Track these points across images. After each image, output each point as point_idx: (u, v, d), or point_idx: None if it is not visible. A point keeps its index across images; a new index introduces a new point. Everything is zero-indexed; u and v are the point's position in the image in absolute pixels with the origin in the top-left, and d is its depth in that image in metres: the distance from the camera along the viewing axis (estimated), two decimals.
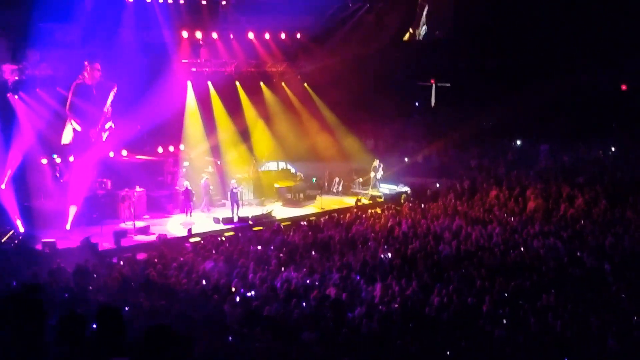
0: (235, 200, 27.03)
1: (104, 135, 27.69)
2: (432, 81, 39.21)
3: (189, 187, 27.01)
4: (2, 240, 22.28)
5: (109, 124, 27.67)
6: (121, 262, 19.76)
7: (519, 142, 36.13)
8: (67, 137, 26.78)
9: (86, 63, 26.30)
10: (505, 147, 35.88)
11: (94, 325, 4.39)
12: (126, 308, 15.05)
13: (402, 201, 29.06)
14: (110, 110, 27.63)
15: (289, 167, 33.25)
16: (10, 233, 22.74)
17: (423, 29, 38.06)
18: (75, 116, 26.79)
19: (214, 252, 20.80)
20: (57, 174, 25.66)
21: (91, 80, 26.52)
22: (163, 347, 4.27)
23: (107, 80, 27.03)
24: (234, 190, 27.23)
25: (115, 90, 27.02)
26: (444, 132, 35.09)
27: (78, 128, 26.98)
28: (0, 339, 3.93)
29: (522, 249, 20.67)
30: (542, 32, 34.41)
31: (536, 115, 34.42)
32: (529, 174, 30.88)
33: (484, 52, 35.65)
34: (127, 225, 24.82)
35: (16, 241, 22.24)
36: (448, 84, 38.95)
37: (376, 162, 32.16)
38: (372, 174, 32.07)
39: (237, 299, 15.80)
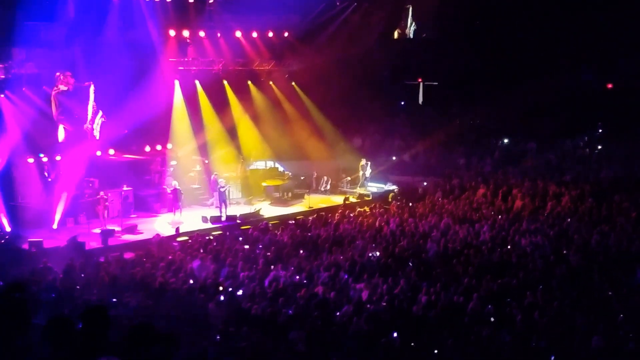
0: (223, 199, 26.98)
1: (97, 129, 27.50)
2: (419, 80, 39.28)
3: (177, 187, 26.93)
4: None
5: (99, 116, 27.49)
6: (108, 262, 19.67)
7: (505, 141, 36.25)
8: (61, 135, 26.70)
9: (59, 74, 26.09)
10: (492, 145, 35.99)
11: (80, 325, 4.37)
12: (113, 308, 15.04)
13: (390, 200, 29.13)
14: (95, 106, 27.46)
15: (277, 165, 33.23)
16: None
17: (412, 28, 38.13)
18: (65, 121, 26.68)
19: (201, 251, 20.77)
20: (45, 173, 25.49)
21: (67, 86, 26.37)
22: (147, 345, 4.27)
23: (83, 81, 26.82)
24: (222, 189, 27.17)
25: (92, 87, 26.81)
26: (431, 130, 35.14)
27: (69, 128, 26.91)
28: None
29: (509, 247, 20.75)
30: (528, 31, 34.56)
31: (523, 114, 34.53)
32: (516, 173, 30.99)
33: (470, 51, 35.72)
34: (100, 228, 24.39)
35: (2, 240, 22.15)
36: (435, 83, 39.03)
37: (364, 161, 32.22)
38: (361, 173, 32.12)
39: (225, 297, 15.78)
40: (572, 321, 14.47)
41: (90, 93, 27.16)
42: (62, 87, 25.96)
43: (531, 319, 14.64)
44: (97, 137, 27.31)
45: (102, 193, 25.17)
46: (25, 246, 21.87)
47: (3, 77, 24.70)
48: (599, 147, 34.45)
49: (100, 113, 27.45)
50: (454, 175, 31.34)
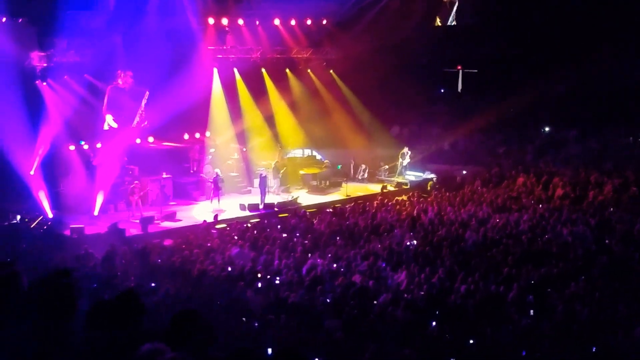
0: (264, 187, 27.10)
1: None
2: (459, 67, 38.89)
3: (220, 174, 27.04)
4: (32, 226, 22.56)
5: (144, 124, 28.13)
6: (148, 249, 19.88)
7: (546, 129, 35.75)
8: (106, 127, 27.25)
9: (119, 71, 26.69)
10: (533, 133, 35.52)
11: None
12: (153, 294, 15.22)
13: (429, 188, 28.95)
14: (144, 114, 27.99)
15: (315, 154, 33.22)
16: (40, 219, 23.02)
17: (453, 15, 37.73)
18: (112, 114, 27.19)
19: (239, 239, 20.87)
20: (90, 160, 25.82)
21: (124, 85, 26.96)
22: (191, 332, 4.29)
23: (140, 85, 27.40)
24: (263, 176, 27.31)
25: (147, 94, 27.42)
26: (471, 118, 34.78)
27: (114, 125, 27.37)
28: (32, 323, 3.95)
29: (549, 236, 20.49)
30: (570, 17, 33.92)
31: (564, 102, 34.01)
32: (557, 161, 30.57)
33: (510, 38, 35.25)
34: (138, 216, 24.65)
35: (45, 227, 22.50)
36: (475, 70, 38.62)
37: (405, 149, 32.02)
38: (400, 161, 31.95)
39: (263, 285, 15.86)
40: (614, 312, 14.25)
41: (143, 98, 27.66)
42: (120, 83, 26.54)
43: (572, 309, 14.46)
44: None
45: (136, 182, 25.34)
46: (67, 232, 22.20)
47: (45, 65, 25.05)
48: None
49: (146, 122, 27.95)
50: (493, 164, 31.03)
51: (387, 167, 32.33)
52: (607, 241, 19.72)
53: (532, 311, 14.56)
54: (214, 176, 27.10)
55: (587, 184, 26.72)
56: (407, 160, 31.89)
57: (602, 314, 14.15)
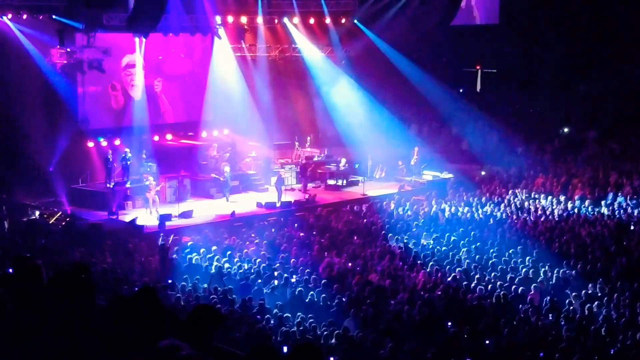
0: (280, 186, 27.14)
1: None
2: (478, 67, 38.69)
3: (227, 173, 27.17)
4: (51, 222, 22.74)
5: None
6: (166, 245, 19.96)
7: (565, 130, 35.50)
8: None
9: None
10: (552, 133, 35.29)
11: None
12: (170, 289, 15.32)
13: (447, 188, 28.82)
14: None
15: (332, 152, 33.17)
16: (59, 214, 23.19)
17: (475, 13, 37.47)
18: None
19: (256, 236, 20.92)
20: (109, 157, 25.93)
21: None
22: (210, 327, 4.31)
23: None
24: (282, 176, 27.39)
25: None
26: (490, 118, 34.60)
27: None
28: (52, 318, 3.99)
29: (568, 237, 20.36)
30: (591, 19, 33.67)
31: (584, 102, 33.80)
32: (576, 161, 30.37)
33: (530, 38, 35.05)
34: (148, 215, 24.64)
35: (64, 222, 22.66)
36: (494, 70, 38.41)
37: (415, 149, 31.77)
38: (413, 160, 31.75)
39: (279, 283, 15.90)
40: (633, 314, 14.16)
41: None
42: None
43: (590, 310, 14.39)
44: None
45: (151, 178, 25.29)
46: (86, 228, 22.33)
47: (65, 62, 25.17)
48: None
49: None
50: (512, 164, 30.87)
51: (404, 166, 32.16)
52: (625, 243, 19.59)
53: (549, 311, 14.52)
54: (225, 174, 27.22)
55: (606, 185, 26.53)
56: (414, 158, 31.48)
57: (620, 316, 14.07)
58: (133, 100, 28.14)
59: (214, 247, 18.90)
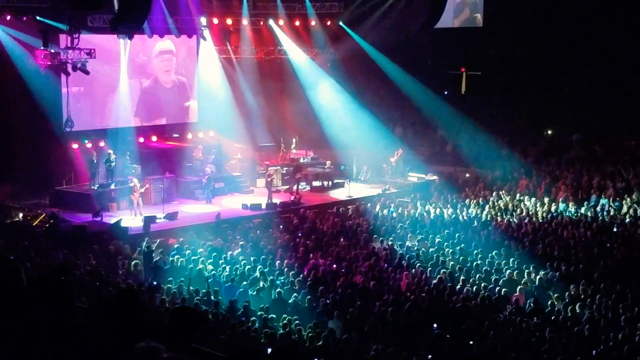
0: (270, 187, 27.11)
1: None
2: (463, 69, 38.83)
3: (211, 174, 27.13)
4: (34, 223, 22.58)
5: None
6: (151, 247, 19.86)
7: (549, 132, 35.70)
8: None
9: None
10: (536, 136, 35.47)
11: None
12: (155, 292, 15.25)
13: (432, 190, 28.89)
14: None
15: (317, 154, 33.16)
16: (42, 216, 23.03)
17: (463, 15, 37.57)
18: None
19: (241, 238, 20.87)
20: (93, 159, 25.79)
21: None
22: (189, 328, 4.30)
23: None
24: (269, 179, 27.38)
25: None
26: (474, 121, 34.74)
27: None
28: (32, 320, 3.97)
29: (551, 239, 20.47)
30: (575, 22, 33.88)
31: (568, 105, 34.01)
32: (560, 164, 30.54)
33: (515, 41, 35.25)
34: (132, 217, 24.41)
35: (47, 224, 22.50)
36: (479, 73, 38.55)
37: (397, 151, 31.78)
38: (396, 162, 31.72)
39: (264, 285, 15.87)
40: (616, 316, 14.25)
41: None
42: None
43: (573, 312, 14.47)
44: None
45: (135, 180, 25.14)
46: (70, 230, 22.17)
47: (49, 63, 25.02)
48: None
49: None
50: (496, 166, 31.00)
51: (389, 168, 32.19)
52: (608, 245, 19.71)
53: (533, 313, 14.59)
54: (208, 175, 27.18)
55: (589, 187, 26.70)
56: (395, 160, 31.43)
57: (603, 317, 14.16)
58: (118, 102, 28.04)
59: (200, 250, 18.84)
